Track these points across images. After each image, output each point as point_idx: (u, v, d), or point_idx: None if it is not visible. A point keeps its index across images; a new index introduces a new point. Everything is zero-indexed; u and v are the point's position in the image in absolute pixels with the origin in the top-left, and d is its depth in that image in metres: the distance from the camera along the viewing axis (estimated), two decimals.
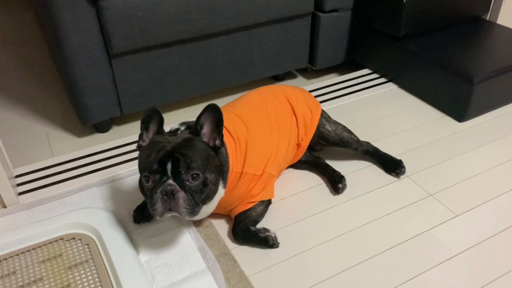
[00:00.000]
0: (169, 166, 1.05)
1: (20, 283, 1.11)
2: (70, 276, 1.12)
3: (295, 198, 1.39)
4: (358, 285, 1.13)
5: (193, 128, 1.13)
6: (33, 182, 1.46)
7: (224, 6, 1.63)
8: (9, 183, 1.33)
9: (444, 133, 1.65)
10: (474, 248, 1.22)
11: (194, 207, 1.07)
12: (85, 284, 1.10)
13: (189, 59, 1.72)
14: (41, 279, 1.12)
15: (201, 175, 1.06)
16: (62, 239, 1.22)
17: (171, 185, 1.04)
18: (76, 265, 1.15)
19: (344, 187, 1.40)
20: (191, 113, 1.85)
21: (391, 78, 1.98)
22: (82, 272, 1.13)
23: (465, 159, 1.53)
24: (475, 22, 2.02)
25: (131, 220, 1.30)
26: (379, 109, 1.80)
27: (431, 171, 1.48)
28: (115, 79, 1.62)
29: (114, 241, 1.19)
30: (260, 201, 1.27)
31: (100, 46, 1.53)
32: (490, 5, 2.07)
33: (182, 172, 1.05)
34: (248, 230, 1.23)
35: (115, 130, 1.79)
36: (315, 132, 1.41)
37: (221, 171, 1.17)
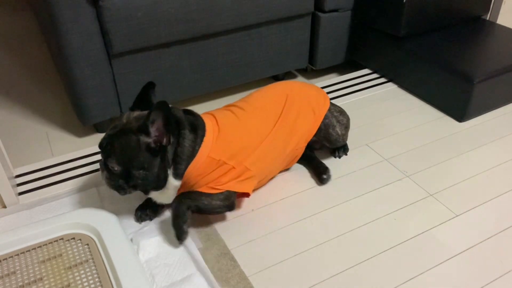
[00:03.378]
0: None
1: (20, 283, 1.11)
2: (70, 276, 1.12)
3: (295, 198, 1.39)
4: (358, 285, 1.13)
5: (142, 123, 1.13)
6: (33, 182, 1.46)
7: (224, 6, 1.63)
8: (9, 183, 1.33)
9: (444, 133, 1.65)
10: (474, 248, 1.22)
11: (118, 188, 1.19)
12: (85, 284, 1.10)
13: (189, 59, 1.72)
14: (41, 279, 1.12)
15: (117, 167, 1.15)
16: (62, 239, 1.22)
17: (101, 162, 1.20)
18: (76, 265, 1.15)
19: (329, 178, 1.41)
20: None
21: (391, 78, 1.98)
22: (82, 272, 1.13)
23: (465, 159, 1.53)
24: (475, 22, 2.02)
25: (131, 220, 1.30)
26: (379, 109, 1.80)
27: (431, 171, 1.48)
28: (115, 79, 1.62)
29: (114, 241, 1.19)
30: (225, 193, 1.21)
31: (100, 46, 1.53)
32: (490, 5, 2.07)
33: (104, 158, 1.17)
34: (182, 210, 1.19)
35: None
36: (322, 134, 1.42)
37: (176, 163, 1.18)
